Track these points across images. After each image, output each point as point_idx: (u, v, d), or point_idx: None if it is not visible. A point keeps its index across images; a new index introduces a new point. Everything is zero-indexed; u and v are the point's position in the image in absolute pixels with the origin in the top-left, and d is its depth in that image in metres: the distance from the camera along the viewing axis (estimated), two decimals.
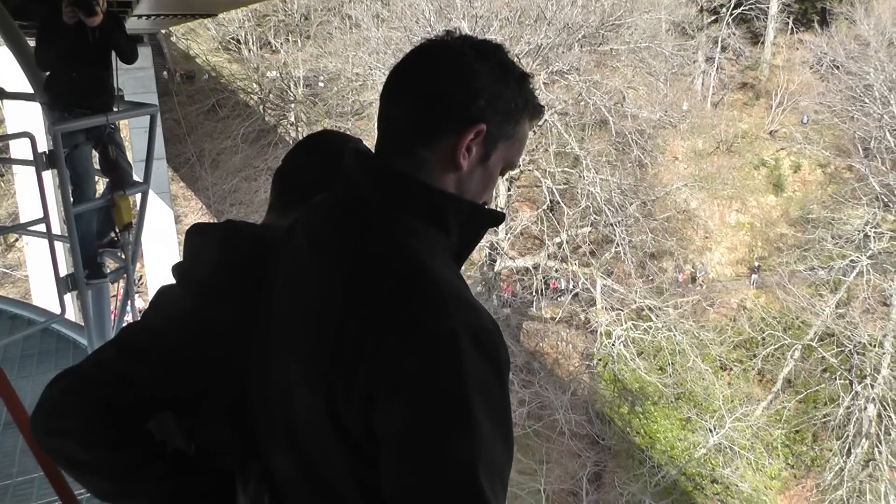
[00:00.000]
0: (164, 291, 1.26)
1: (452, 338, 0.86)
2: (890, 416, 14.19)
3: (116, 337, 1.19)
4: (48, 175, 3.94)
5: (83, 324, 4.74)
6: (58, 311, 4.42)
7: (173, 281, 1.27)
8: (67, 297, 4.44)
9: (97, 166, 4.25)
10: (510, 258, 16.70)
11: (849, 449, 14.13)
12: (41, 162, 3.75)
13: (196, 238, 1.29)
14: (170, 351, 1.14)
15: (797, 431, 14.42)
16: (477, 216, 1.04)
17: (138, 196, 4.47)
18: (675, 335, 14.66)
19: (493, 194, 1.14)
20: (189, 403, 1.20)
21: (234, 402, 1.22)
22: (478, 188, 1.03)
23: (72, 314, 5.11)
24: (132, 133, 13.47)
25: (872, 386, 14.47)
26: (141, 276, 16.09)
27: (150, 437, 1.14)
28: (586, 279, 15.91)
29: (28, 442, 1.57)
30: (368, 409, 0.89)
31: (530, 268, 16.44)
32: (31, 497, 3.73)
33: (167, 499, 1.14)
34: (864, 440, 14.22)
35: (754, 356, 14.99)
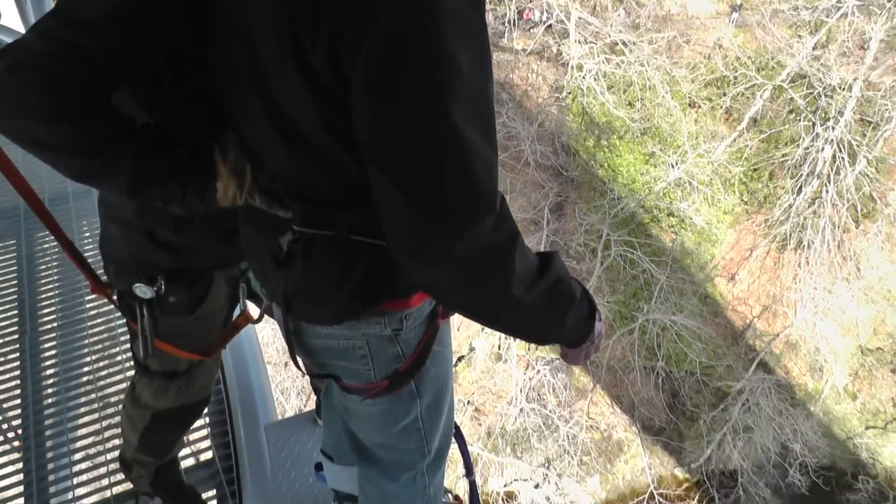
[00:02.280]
0: None
1: None
2: (843, 158, 14.50)
3: (56, 7, 1.05)
4: None
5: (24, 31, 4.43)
6: None
7: None
8: (5, 3, 4.24)
9: None
10: None
11: (800, 188, 14.58)
12: None
13: None
14: (118, 13, 1.03)
15: (755, 169, 14.71)
16: None
17: None
18: (647, 70, 14.18)
19: None
20: (146, 74, 1.12)
21: (196, 66, 1.17)
22: None
23: (14, 22, 4.67)
24: None
25: (833, 128, 14.57)
26: None
27: (115, 112, 1.06)
28: (561, 10, 14.92)
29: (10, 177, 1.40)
30: (335, 49, 0.85)
31: None
32: None
33: (143, 173, 1.09)
34: (815, 180, 14.64)
35: (724, 94, 14.74)
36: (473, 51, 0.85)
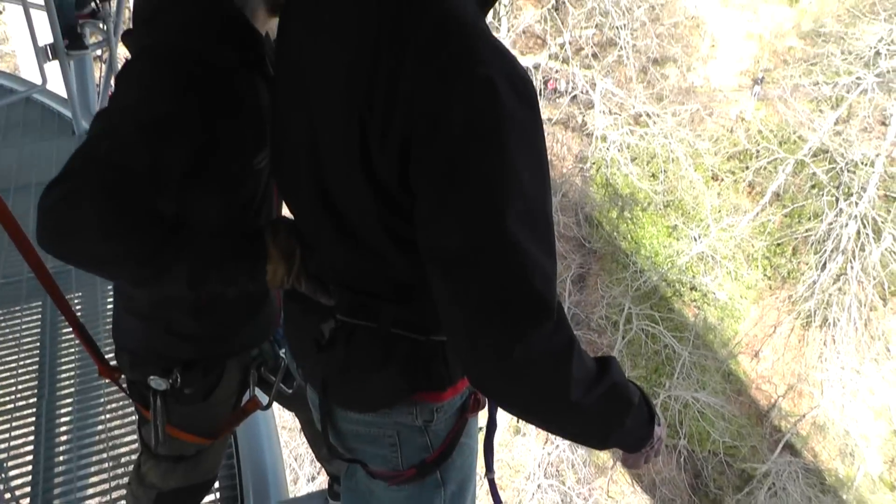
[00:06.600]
0: (129, 65, 1.19)
1: (490, 84, 0.84)
2: (868, 234, 14.35)
3: (101, 126, 1.10)
4: None
5: (67, 96, 4.73)
6: (40, 82, 4.48)
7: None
8: (50, 68, 4.41)
9: None
10: None
11: (824, 264, 14.41)
12: None
13: None
14: (161, 123, 1.09)
15: (778, 244, 14.59)
16: None
17: None
18: (670, 142, 14.24)
19: None
20: (191, 176, 1.16)
21: (245, 158, 1.28)
22: None
23: (58, 87, 5.01)
24: None
25: (857, 204, 14.48)
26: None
27: (162, 218, 1.07)
28: (587, 81, 15.10)
29: (24, 253, 1.44)
30: (404, 156, 0.89)
31: (531, 67, 15.45)
32: (20, 298, 3.57)
33: (201, 267, 1.11)
34: (839, 256, 14.47)
35: (747, 168, 14.74)
36: (533, 163, 0.89)
